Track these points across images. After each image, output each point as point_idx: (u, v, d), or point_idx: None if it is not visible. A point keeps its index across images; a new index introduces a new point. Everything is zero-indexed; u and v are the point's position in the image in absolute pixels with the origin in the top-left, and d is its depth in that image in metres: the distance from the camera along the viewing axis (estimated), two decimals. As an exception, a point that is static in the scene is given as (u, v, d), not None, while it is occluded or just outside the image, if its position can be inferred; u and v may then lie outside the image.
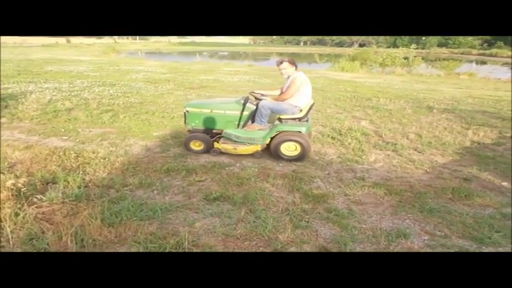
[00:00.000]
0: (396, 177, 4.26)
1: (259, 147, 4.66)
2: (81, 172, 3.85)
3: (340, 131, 6.23)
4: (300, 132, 4.56)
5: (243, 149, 4.65)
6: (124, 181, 3.76)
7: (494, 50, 56.75)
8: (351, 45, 70.92)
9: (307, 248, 2.68)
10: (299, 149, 4.58)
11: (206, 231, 2.87)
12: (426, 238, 2.91)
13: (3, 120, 6.25)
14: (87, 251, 2.52)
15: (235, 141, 4.67)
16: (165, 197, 3.47)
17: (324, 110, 8.28)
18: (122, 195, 3.39)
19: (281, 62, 4.64)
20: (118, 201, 3.25)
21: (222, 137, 4.78)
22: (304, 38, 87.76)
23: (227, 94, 10.17)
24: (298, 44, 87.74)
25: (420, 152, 5.26)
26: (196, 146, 4.81)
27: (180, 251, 2.55)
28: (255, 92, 4.91)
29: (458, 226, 3.10)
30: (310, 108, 4.71)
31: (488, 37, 68.88)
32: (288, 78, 4.69)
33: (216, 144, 4.76)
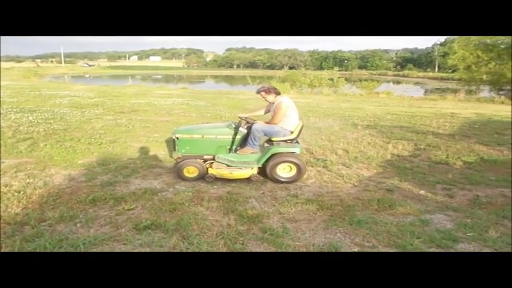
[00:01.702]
0: (327, 192, 4.42)
1: (255, 171, 4.65)
2: (-11, 209, 3.43)
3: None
4: (294, 153, 4.67)
5: (239, 174, 4.59)
6: (42, 216, 3.42)
7: (406, 71, 63.23)
8: (281, 67, 74.08)
9: (242, 271, 2.63)
10: (295, 170, 4.66)
11: (135, 264, 2.69)
12: (356, 250, 3.03)
13: None
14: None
15: (228, 166, 4.61)
16: (90, 230, 3.21)
17: (258, 130, 8.41)
18: (39, 231, 3.07)
19: (258, 92, 4.89)
20: (33, 239, 2.93)
21: (213, 162, 4.70)
22: (236, 61, 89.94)
23: (160, 117, 9.92)
24: (231, 67, 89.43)
25: (348, 167, 5.55)
26: (190, 173, 4.65)
27: None
28: (241, 115, 4.89)
29: (383, 236, 3.28)
30: (300, 130, 4.85)
31: (399, 60, 77.21)
32: (273, 104, 4.87)
33: (210, 170, 4.65)
